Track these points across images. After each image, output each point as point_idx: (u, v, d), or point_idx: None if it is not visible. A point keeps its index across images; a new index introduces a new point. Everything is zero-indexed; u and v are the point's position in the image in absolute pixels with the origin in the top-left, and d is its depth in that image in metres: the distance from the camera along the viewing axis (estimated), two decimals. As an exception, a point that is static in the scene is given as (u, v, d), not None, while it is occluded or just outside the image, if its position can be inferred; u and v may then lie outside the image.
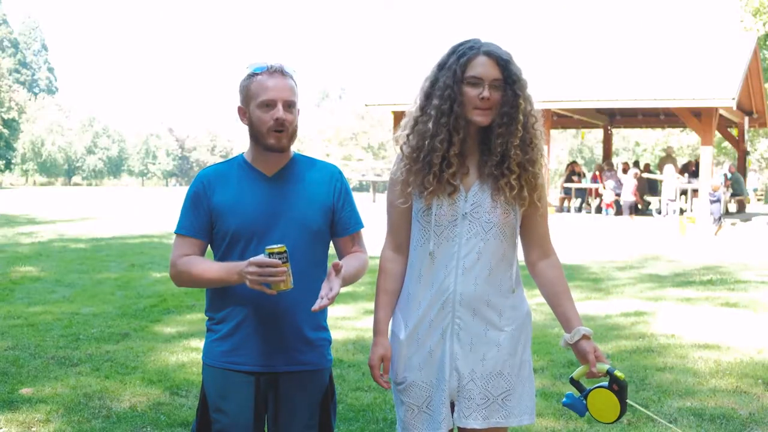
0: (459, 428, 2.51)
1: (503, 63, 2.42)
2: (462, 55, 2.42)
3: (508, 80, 2.41)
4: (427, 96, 2.48)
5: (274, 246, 2.35)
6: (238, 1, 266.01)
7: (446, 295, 2.45)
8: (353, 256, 2.64)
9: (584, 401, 2.47)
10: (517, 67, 2.45)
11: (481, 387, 2.45)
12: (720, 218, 18.43)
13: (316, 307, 2.37)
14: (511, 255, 2.51)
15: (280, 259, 2.32)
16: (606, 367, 2.44)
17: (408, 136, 2.51)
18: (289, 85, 2.53)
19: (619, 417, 2.42)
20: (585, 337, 2.49)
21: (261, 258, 2.33)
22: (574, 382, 2.52)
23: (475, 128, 2.45)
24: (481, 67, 2.40)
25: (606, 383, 2.44)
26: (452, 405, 2.50)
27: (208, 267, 2.52)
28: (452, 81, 2.41)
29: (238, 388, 2.57)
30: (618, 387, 2.40)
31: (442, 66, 2.47)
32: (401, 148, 2.52)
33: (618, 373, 2.41)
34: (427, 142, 2.44)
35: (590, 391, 2.46)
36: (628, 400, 2.44)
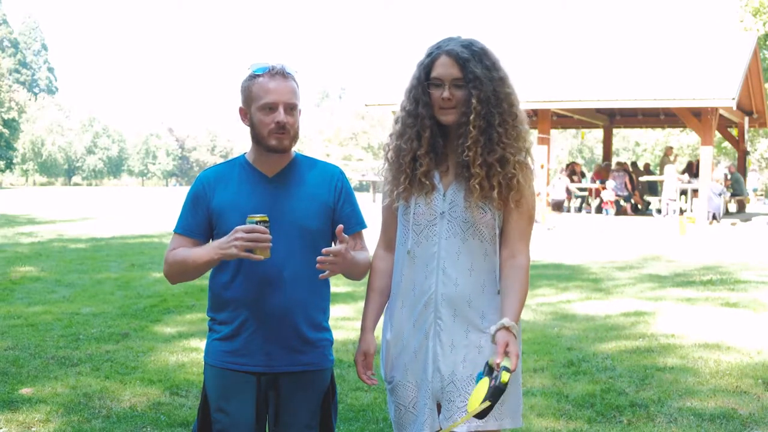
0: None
1: (461, 62, 2.40)
2: (429, 54, 2.47)
3: (466, 79, 2.40)
4: (405, 98, 2.53)
5: (256, 215, 2.38)
6: (238, 1, 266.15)
7: (428, 295, 2.45)
8: (358, 252, 2.64)
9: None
10: (484, 64, 2.41)
11: (461, 389, 2.42)
12: (716, 215, 18.39)
13: (321, 264, 2.40)
14: (495, 256, 2.46)
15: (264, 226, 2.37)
16: (504, 362, 2.23)
17: (390, 136, 2.55)
18: (291, 87, 2.53)
19: (480, 414, 2.19)
20: (504, 327, 2.30)
21: (246, 225, 2.37)
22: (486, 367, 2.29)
23: (452, 128, 2.46)
24: (442, 67, 2.42)
25: (494, 375, 2.22)
26: (439, 406, 2.49)
27: (192, 251, 2.53)
28: (417, 82, 2.46)
29: (239, 388, 2.57)
30: (494, 383, 2.19)
31: (418, 66, 2.51)
32: (384, 150, 2.57)
33: (504, 374, 2.20)
34: (396, 143, 2.50)
35: (480, 378, 2.26)
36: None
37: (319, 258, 2.39)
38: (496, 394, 2.18)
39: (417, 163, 2.44)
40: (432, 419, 2.45)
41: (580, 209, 22.39)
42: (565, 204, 21.63)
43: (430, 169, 2.45)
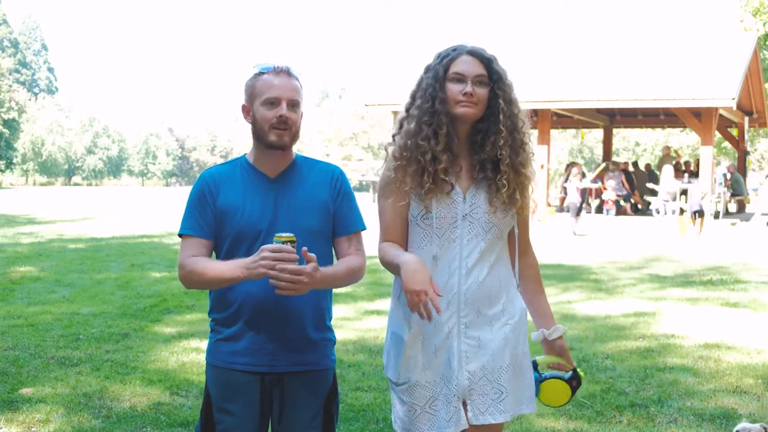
0: (473, 426, 2.51)
1: (486, 61, 2.48)
2: (446, 56, 2.50)
3: (492, 78, 2.47)
4: (412, 97, 2.55)
5: (284, 234, 2.36)
6: (239, 1, 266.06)
7: (450, 295, 2.47)
8: (347, 258, 2.61)
9: (539, 384, 2.65)
10: (501, 67, 2.51)
11: (493, 382, 2.49)
12: (697, 213, 18.01)
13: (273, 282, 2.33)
14: (507, 251, 2.58)
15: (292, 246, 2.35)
16: (573, 364, 2.68)
17: (394, 137, 2.56)
18: (295, 85, 2.54)
19: (563, 405, 2.70)
20: (560, 338, 2.62)
21: (273, 245, 2.34)
22: (535, 366, 2.66)
23: (464, 128, 2.49)
24: (464, 64, 2.46)
25: (564, 375, 2.66)
26: (464, 404, 2.51)
27: (214, 265, 2.51)
28: (434, 80, 2.48)
29: (242, 388, 2.57)
30: (577, 384, 2.65)
31: (427, 69, 2.53)
32: (386, 149, 2.57)
33: (581, 371, 2.68)
34: (410, 141, 2.48)
35: (549, 378, 2.66)
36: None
37: (271, 275, 2.30)
38: (578, 389, 2.67)
39: (435, 161, 2.45)
40: (458, 417, 2.49)
41: (567, 209, 22.34)
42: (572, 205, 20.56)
43: (448, 166, 2.46)
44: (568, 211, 19.57)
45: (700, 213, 17.77)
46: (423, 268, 2.33)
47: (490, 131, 2.46)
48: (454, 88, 2.44)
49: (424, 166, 2.44)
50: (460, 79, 2.44)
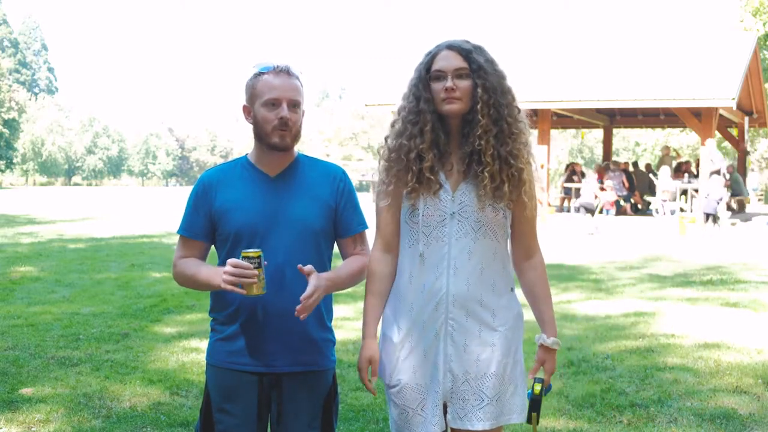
0: (453, 429, 2.49)
1: (465, 53, 2.43)
2: (428, 54, 2.49)
3: (471, 68, 2.43)
4: (403, 99, 2.54)
5: (250, 250, 2.38)
6: (239, 1, 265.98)
7: (439, 296, 2.43)
8: (351, 259, 2.63)
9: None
10: (485, 57, 2.45)
11: (474, 388, 2.44)
12: (711, 216, 18.06)
13: (299, 312, 2.41)
14: (504, 254, 2.49)
15: (252, 263, 2.35)
16: (539, 374, 2.53)
17: (386, 138, 2.54)
18: (295, 85, 2.54)
19: (529, 421, 2.50)
20: (541, 347, 2.52)
21: (235, 260, 2.36)
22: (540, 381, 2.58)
23: (455, 122, 2.46)
24: (443, 60, 2.44)
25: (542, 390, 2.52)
26: (444, 406, 2.49)
27: (198, 270, 2.54)
28: (417, 80, 2.47)
29: (241, 388, 2.57)
30: (531, 401, 2.48)
31: (416, 68, 2.53)
32: (378, 152, 2.56)
33: (536, 386, 2.49)
34: (397, 141, 2.48)
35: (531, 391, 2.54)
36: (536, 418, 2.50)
37: (298, 308, 2.39)
38: (533, 405, 2.45)
39: (421, 159, 2.43)
40: (441, 419, 2.46)
41: (578, 209, 22.36)
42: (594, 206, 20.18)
43: (433, 164, 2.43)
44: (586, 211, 19.47)
45: (714, 217, 17.82)
46: (365, 352, 2.51)
47: (474, 122, 2.41)
48: (436, 87, 2.42)
49: (409, 165, 2.43)
50: (441, 76, 2.42)
